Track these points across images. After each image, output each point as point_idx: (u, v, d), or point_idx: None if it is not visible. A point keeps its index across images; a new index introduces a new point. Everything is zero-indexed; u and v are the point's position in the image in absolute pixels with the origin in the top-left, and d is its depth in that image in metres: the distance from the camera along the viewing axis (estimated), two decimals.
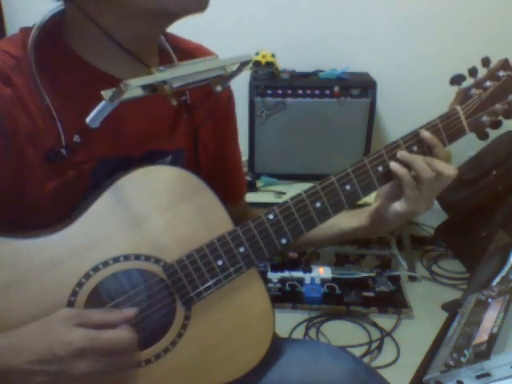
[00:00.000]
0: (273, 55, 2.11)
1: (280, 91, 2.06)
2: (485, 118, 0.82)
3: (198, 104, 0.81)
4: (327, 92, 2.05)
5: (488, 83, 0.83)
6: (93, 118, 0.62)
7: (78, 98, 0.71)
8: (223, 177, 0.91)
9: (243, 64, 0.70)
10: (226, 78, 0.71)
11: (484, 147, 2.11)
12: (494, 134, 0.85)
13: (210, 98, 0.82)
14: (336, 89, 2.04)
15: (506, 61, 0.85)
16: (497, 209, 1.92)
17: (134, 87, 0.60)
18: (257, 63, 2.11)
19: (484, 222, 1.92)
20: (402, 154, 0.77)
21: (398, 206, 0.78)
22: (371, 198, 0.82)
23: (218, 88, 0.71)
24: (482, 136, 0.85)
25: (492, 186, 2.00)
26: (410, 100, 2.29)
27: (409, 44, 2.25)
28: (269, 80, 2.08)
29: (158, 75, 0.64)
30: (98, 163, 0.73)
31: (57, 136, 0.69)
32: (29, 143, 0.68)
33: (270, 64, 2.10)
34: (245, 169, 1.89)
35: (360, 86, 2.07)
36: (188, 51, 0.83)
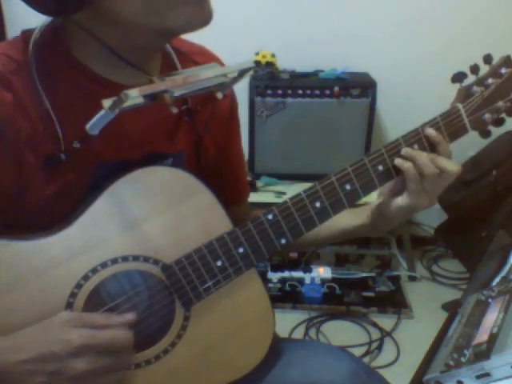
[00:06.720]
0: (273, 55, 2.11)
1: (280, 91, 2.06)
2: (487, 116, 0.81)
3: (198, 108, 0.81)
4: (327, 92, 2.05)
5: (490, 80, 0.81)
6: (92, 125, 0.61)
7: (77, 102, 0.70)
8: (226, 179, 0.90)
9: (244, 71, 0.69)
10: (226, 85, 0.70)
11: (484, 147, 2.11)
12: (493, 134, 0.84)
13: (210, 102, 0.82)
14: (336, 89, 2.04)
15: (507, 57, 0.83)
16: (497, 209, 1.91)
17: (135, 97, 0.59)
18: (257, 63, 2.10)
19: (484, 222, 1.92)
20: (406, 150, 0.77)
21: (400, 200, 0.78)
22: (372, 197, 0.82)
23: (219, 95, 0.69)
24: (485, 134, 0.83)
25: (492, 186, 2.00)
26: (410, 100, 2.29)
27: (409, 44, 2.25)
28: (269, 80, 2.08)
29: (159, 84, 0.63)
30: (97, 167, 0.73)
31: (56, 141, 0.69)
32: (29, 148, 0.68)
33: (270, 64, 2.10)
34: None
35: (360, 86, 2.06)
36: (190, 54, 0.82)
